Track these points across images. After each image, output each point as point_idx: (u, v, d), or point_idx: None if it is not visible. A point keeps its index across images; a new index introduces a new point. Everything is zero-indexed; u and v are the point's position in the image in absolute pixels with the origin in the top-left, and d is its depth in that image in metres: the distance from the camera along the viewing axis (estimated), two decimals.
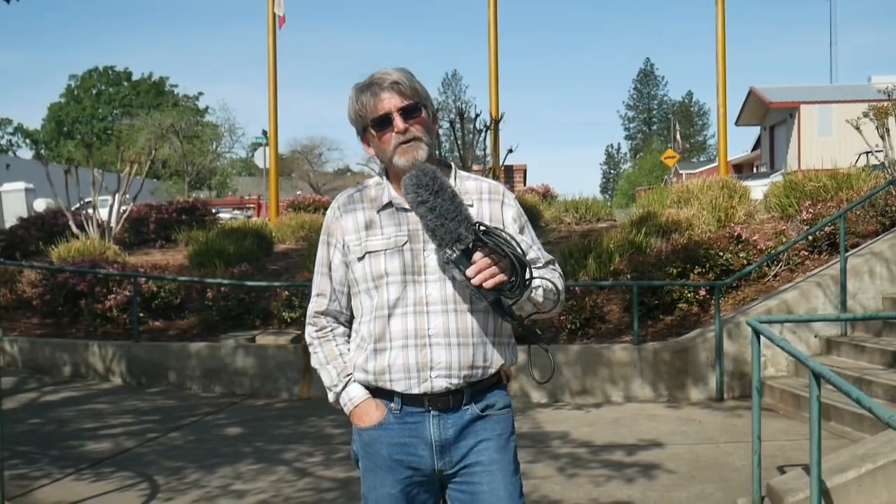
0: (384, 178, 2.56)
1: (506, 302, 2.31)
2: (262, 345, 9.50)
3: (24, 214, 19.63)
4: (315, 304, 2.63)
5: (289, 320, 10.14)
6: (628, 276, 9.88)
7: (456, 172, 2.57)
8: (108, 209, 14.47)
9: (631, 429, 7.55)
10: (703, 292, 9.61)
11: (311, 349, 2.63)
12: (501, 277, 2.25)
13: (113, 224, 14.35)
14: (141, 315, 10.37)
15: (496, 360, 2.50)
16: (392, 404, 2.47)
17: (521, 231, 2.55)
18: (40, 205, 22.98)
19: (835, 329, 9.03)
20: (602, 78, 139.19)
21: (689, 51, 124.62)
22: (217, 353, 9.51)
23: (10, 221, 21.16)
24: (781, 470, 5.99)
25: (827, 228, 9.86)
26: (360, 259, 2.47)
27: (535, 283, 2.36)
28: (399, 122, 2.42)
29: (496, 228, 2.29)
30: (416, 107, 2.45)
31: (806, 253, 10.12)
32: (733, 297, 9.74)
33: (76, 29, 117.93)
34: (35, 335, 10.66)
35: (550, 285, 2.46)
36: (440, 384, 2.42)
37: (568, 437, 7.20)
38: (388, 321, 2.44)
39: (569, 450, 6.79)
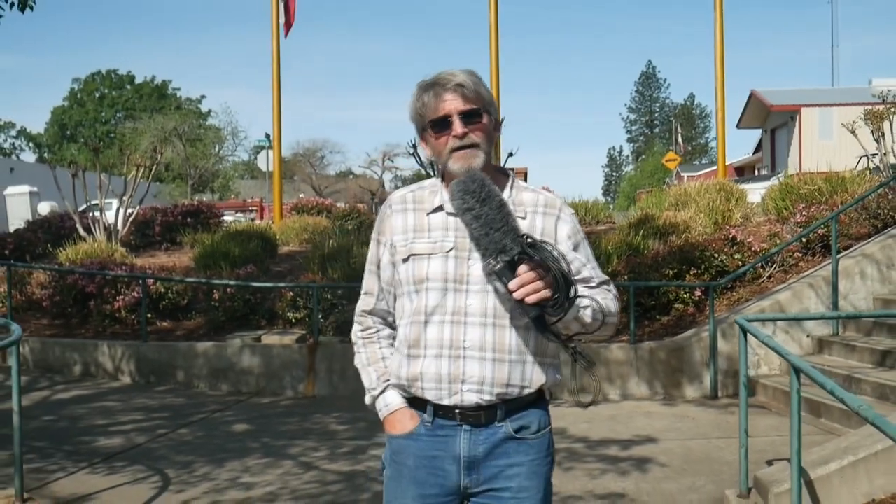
0: (440, 180, 2.48)
1: (549, 319, 2.23)
2: (267, 344, 9.75)
3: (29, 218, 19.88)
4: (362, 303, 2.59)
5: (293, 320, 10.38)
6: (626, 278, 10.10)
7: (514, 182, 2.49)
8: (113, 212, 14.71)
9: (627, 425, 7.77)
10: (698, 293, 9.83)
11: (355, 348, 2.59)
12: (545, 293, 2.15)
13: (119, 227, 14.59)
14: (149, 316, 10.62)
15: (535, 380, 2.39)
16: (425, 416, 2.40)
17: (576, 248, 2.45)
18: (44, 208, 23.23)
19: (826, 329, 9.25)
20: (604, 80, 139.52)
21: (691, 53, 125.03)
22: (224, 352, 9.75)
23: (14, 225, 21.40)
24: (770, 463, 6.21)
25: (820, 230, 10.09)
26: (405, 261, 2.41)
27: (583, 302, 2.28)
28: (458, 126, 2.34)
29: (544, 242, 2.19)
30: (478, 112, 2.37)
31: (800, 255, 10.34)
32: (728, 298, 9.96)
33: (79, 32, 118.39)
34: (45, 336, 10.91)
35: (599, 306, 2.37)
36: (470, 398, 2.33)
37: (565, 433, 7.42)
38: (425, 328, 2.37)
39: (566, 445, 7.01)
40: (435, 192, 2.47)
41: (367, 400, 2.56)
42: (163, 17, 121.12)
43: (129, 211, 15.09)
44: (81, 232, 14.32)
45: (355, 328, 2.62)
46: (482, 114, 2.38)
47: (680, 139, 64.16)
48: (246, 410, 8.70)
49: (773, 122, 37.50)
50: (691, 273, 9.96)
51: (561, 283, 2.15)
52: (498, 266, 2.17)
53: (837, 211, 9.60)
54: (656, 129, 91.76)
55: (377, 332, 2.57)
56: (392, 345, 2.54)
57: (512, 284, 2.15)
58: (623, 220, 14.64)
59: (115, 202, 15.14)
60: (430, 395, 2.38)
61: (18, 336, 5.30)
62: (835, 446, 5.44)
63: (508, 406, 2.38)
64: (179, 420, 8.15)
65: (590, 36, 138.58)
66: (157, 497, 5.71)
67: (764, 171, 38.61)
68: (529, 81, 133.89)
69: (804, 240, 10.20)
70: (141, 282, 10.49)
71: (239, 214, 34.96)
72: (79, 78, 77.02)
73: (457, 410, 2.36)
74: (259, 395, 9.51)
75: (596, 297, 2.39)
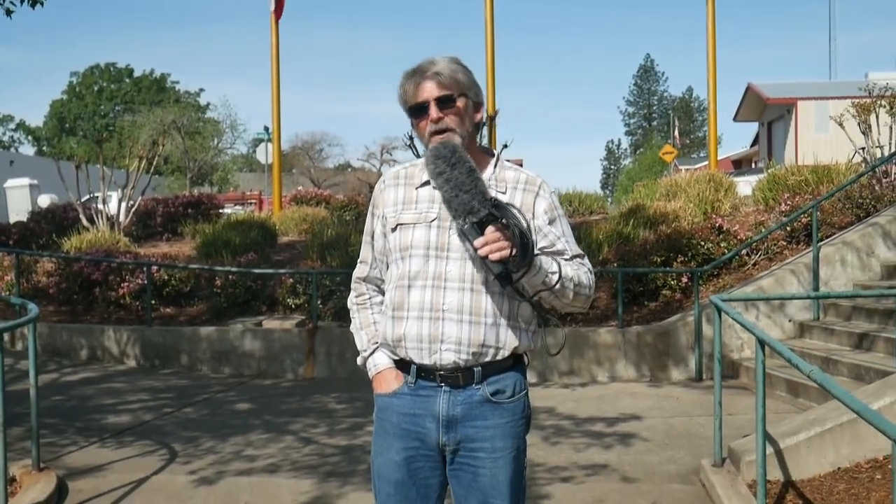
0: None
1: (514, 277, 2.40)
2: (268, 329, 10.08)
3: (29, 210, 20.16)
4: (358, 271, 2.80)
5: (293, 306, 10.72)
6: (615, 265, 10.44)
7: (499, 161, 2.67)
8: (114, 203, 15.05)
9: (613, 404, 8.11)
10: (684, 279, 10.16)
11: (350, 314, 2.81)
12: (506, 252, 2.32)
13: (122, 217, 14.92)
14: (153, 302, 10.94)
15: (509, 343, 2.55)
16: (408, 377, 2.59)
17: (552, 223, 2.63)
18: (44, 200, 23.47)
19: (808, 314, 9.57)
20: (602, 74, 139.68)
21: (690, 47, 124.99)
22: (226, 336, 10.09)
23: (14, 217, 21.70)
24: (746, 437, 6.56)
25: (804, 219, 10.41)
26: (394, 230, 2.60)
27: (551, 267, 2.48)
28: (433, 112, 2.53)
29: (509, 205, 2.37)
30: (451, 98, 2.55)
31: (784, 243, 10.67)
32: (714, 284, 10.29)
33: (78, 26, 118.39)
34: (52, 321, 11.23)
35: (569, 274, 2.55)
36: (448, 357, 2.50)
37: (554, 412, 7.76)
38: (408, 292, 2.55)
39: (554, 422, 7.34)
40: (423, 168, 2.64)
41: (359, 361, 2.77)
42: (162, 9, 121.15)
43: (131, 202, 15.41)
44: (84, 222, 14.65)
45: (351, 295, 2.85)
46: (454, 100, 2.56)
47: (677, 132, 64.41)
48: (248, 391, 9.04)
49: (770, 115, 37.70)
50: (678, 260, 10.29)
51: (517, 241, 2.32)
52: (466, 226, 2.35)
53: (819, 199, 9.93)
54: (654, 123, 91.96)
55: (370, 298, 2.79)
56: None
57: (477, 242, 2.33)
58: (615, 210, 14.99)
59: (115, 194, 15.45)
60: (412, 355, 2.57)
61: (36, 314, 5.62)
62: (803, 418, 5.79)
63: (486, 369, 2.56)
64: (184, 400, 8.48)
65: (588, 30, 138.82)
66: (165, 468, 6.04)
67: (760, 164, 38.85)
68: (527, 76, 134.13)
69: (789, 228, 10.53)
70: (145, 269, 10.81)
71: (238, 207, 35.17)
72: (77, 71, 77.18)
73: (437, 372, 2.55)
74: (260, 377, 9.86)
75: (566, 266, 2.61)
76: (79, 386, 9.12)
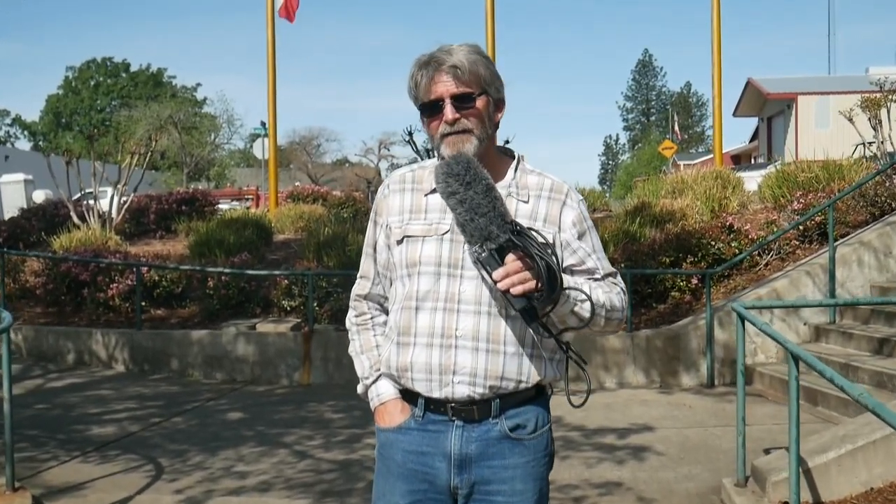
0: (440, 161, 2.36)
1: (539, 311, 2.11)
2: (262, 332, 9.69)
3: (24, 205, 19.78)
4: (358, 287, 2.50)
5: (288, 308, 10.33)
6: (622, 266, 10.05)
7: (519, 164, 2.37)
8: (108, 200, 14.64)
9: (623, 413, 7.73)
10: (695, 281, 9.79)
11: (349, 335, 2.51)
12: (530, 284, 2.04)
13: (114, 215, 14.50)
14: (143, 304, 10.56)
15: (532, 375, 2.26)
16: (416, 409, 2.30)
17: (581, 237, 2.33)
18: (39, 196, 23.13)
19: (824, 317, 9.21)
20: (600, 69, 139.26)
21: (688, 42, 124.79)
22: (218, 340, 9.70)
23: (9, 213, 21.30)
24: (767, 452, 6.18)
25: (817, 218, 10.04)
26: (399, 243, 2.30)
27: (580, 295, 2.17)
28: (449, 112, 2.22)
29: (532, 230, 2.08)
30: (471, 96, 2.23)
31: (797, 242, 10.30)
32: (725, 286, 9.92)
33: (74, 20, 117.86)
34: (38, 324, 10.85)
35: (601, 300, 2.24)
36: (462, 391, 2.22)
37: (562, 422, 7.38)
38: (416, 314, 2.26)
39: (562, 433, 6.97)
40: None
41: (360, 389, 2.47)
42: (159, 4, 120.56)
43: (124, 199, 15.00)
44: (75, 220, 14.23)
45: (350, 313, 2.53)
46: (475, 99, 2.25)
47: (676, 127, 64.10)
48: (240, 399, 8.66)
49: (770, 110, 37.41)
50: (688, 261, 9.91)
51: (543, 275, 2.03)
52: (483, 254, 2.07)
53: (834, 198, 9.54)
54: (653, 118, 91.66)
55: (372, 318, 2.48)
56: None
57: (496, 274, 2.05)
58: (620, 207, 14.61)
59: (109, 190, 15.04)
60: (419, 387, 2.27)
61: (9, 323, 5.23)
62: (832, 434, 5.41)
63: (504, 401, 2.27)
64: (173, 408, 8.10)
65: (586, 25, 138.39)
66: (151, 486, 5.67)
67: (760, 160, 38.57)
68: (526, 70, 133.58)
69: (801, 227, 10.16)
70: (135, 269, 10.41)
71: (235, 203, 34.88)
72: (74, 66, 76.84)
73: (449, 404, 2.25)
74: (254, 383, 9.47)
75: (598, 290, 2.29)
76: (63, 393, 8.73)
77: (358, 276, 2.52)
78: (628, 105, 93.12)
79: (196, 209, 16.17)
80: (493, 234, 2.04)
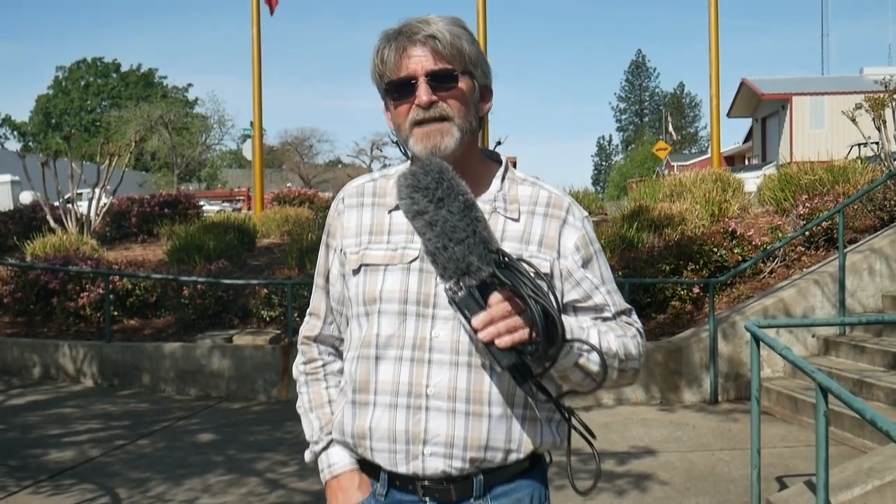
0: (412, 166, 1.87)
1: (533, 368, 1.61)
2: (239, 345, 9.12)
3: (10, 207, 19.18)
4: (306, 327, 2.02)
5: (268, 319, 9.78)
6: (619, 273, 9.53)
7: (507, 172, 1.88)
8: (87, 202, 14.07)
9: (622, 434, 7.21)
10: (696, 289, 9.28)
11: (297, 387, 2.03)
12: (521, 334, 1.56)
13: (92, 218, 13.94)
14: (115, 313, 10.01)
15: (524, 443, 1.79)
16: (377, 485, 1.83)
17: (587, 264, 1.84)
18: (27, 197, 22.56)
19: (833, 329, 8.70)
20: (593, 69, 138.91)
21: (681, 42, 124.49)
22: (192, 354, 9.13)
23: None
24: (781, 481, 5.69)
25: (824, 223, 9.54)
26: (356, 272, 1.82)
27: (584, 346, 1.70)
28: (423, 93, 1.74)
29: (524, 261, 1.60)
30: (452, 74, 1.76)
31: (802, 249, 9.80)
32: (728, 295, 9.41)
33: (64, 20, 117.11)
34: (5, 335, 10.26)
35: (614, 348, 1.77)
36: (434, 465, 1.75)
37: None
38: (376, 366, 1.78)
39: (556, 458, 6.44)
40: None
41: (307, 457, 1.98)
42: (150, 3, 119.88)
43: (104, 201, 14.44)
44: (52, 223, 13.66)
45: (297, 359, 2.04)
46: (457, 77, 1.77)
47: (670, 128, 63.81)
48: (213, 417, 8.10)
49: (764, 110, 37.13)
50: (689, 268, 9.39)
51: (539, 321, 1.53)
52: (460, 293, 1.57)
53: (844, 203, 9.03)
54: (646, 119, 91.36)
55: (323, 365, 2.00)
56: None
57: (476, 321, 1.56)
58: (615, 211, 14.10)
59: (96, 191, 14.43)
60: (381, 459, 1.79)
61: None
62: (856, 467, 4.91)
63: (489, 477, 1.78)
64: (140, 429, 7.54)
65: (578, 25, 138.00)
66: None
67: (754, 161, 38.29)
68: (518, 70, 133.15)
69: (807, 233, 9.66)
70: (105, 278, 9.84)
71: (226, 204, 34.40)
72: (63, 66, 76.20)
73: (419, 482, 1.77)
74: (229, 399, 8.90)
75: (609, 335, 1.78)
76: (24, 412, 8.14)
77: (307, 312, 2.03)
78: (621, 106, 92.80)
79: (179, 212, 15.60)
80: (472, 266, 1.55)
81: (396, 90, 1.78)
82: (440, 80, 1.75)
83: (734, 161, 43.10)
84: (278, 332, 9.43)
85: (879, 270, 8.93)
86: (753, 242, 9.74)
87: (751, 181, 17.05)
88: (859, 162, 13.65)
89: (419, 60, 1.75)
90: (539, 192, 1.86)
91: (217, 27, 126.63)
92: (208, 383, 9.06)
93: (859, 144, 19.60)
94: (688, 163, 49.58)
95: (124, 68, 75.56)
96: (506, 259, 1.57)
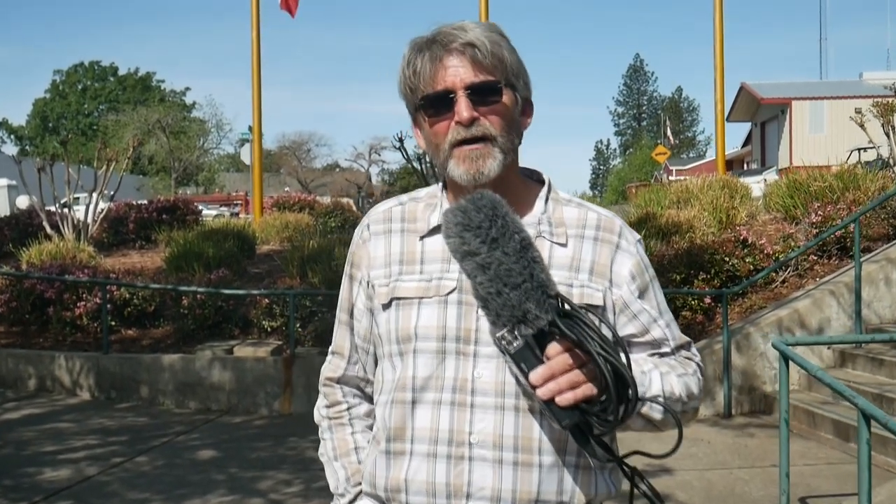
0: (442, 189, 1.72)
1: (596, 428, 1.42)
2: (239, 357, 8.89)
3: (7, 212, 18.95)
4: (329, 368, 1.83)
5: (269, 329, 9.55)
6: None
7: (550, 192, 1.70)
8: (84, 208, 13.85)
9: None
10: (708, 300, 9.06)
11: (320, 432, 1.85)
12: (585, 390, 1.39)
13: (90, 224, 13.71)
14: (113, 323, 9.77)
15: (577, 495, 1.59)
16: None
17: (643, 295, 1.67)
18: (23, 202, 22.31)
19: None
20: (592, 73, 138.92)
21: (680, 46, 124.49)
22: (191, 366, 8.90)
23: None
24: (803, 503, 5.48)
25: (838, 232, 9.33)
26: (386, 307, 1.65)
27: (651, 388, 1.56)
28: (464, 108, 1.55)
29: (587, 311, 1.40)
30: (495, 87, 1.57)
31: (815, 258, 9.59)
32: (740, 305, 9.20)
33: (62, 24, 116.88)
34: (0, 345, 10.02)
35: (676, 390, 1.60)
36: None
37: None
38: (412, 411, 1.60)
39: None
40: (433, 205, 1.70)
41: None
42: (148, 7, 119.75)
43: (101, 207, 14.21)
44: (48, 230, 13.43)
45: (319, 402, 1.86)
46: (502, 90, 1.58)
47: (669, 132, 63.62)
48: (214, 432, 7.87)
49: (763, 115, 37.06)
50: (700, 278, 9.17)
51: (609, 379, 1.35)
52: (515, 343, 1.38)
53: (860, 212, 8.81)
54: (644, 123, 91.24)
55: (349, 408, 1.81)
56: (371, 427, 1.76)
57: (535, 376, 1.38)
58: (621, 217, 13.88)
59: (93, 197, 14.20)
60: None
61: None
62: (889, 492, 4.70)
63: None
64: (139, 445, 7.31)
65: (577, 28, 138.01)
66: None
67: (754, 165, 38.20)
68: None
69: (820, 242, 9.45)
70: (102, 288, 9.60)
71: (223, 208, 34.24)
72: (61, 69, 76.07)
73: None
74: (230, 413, 8.67)
75: (671, 375, 1.60)
76: (18, 426, 7.90)
77: (329, 351, 1.84)
78: (619, 110, 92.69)
79: (178, 218, 15.37)
80: (530, 314, 1.36)
81: (432, 105, 1.59)
82: (481, 94, 1.57)
83: (733, 165, 43.01)
84: (280, 343, 9.21)
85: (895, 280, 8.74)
86: (765, 251, 9.53)
87: (754, 186, 16.87)
88: (860, 166, 13.52)
89: (457, 72, 1.57)
90: (587, 213, 1.69)
91: (216, 31, 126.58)
92: (208, 396, 8.84)
93: (860, 149, 19.50)
94: (686, 167, 49.54)
95: (122, 72, 75.37)
96: (568, 307, 1.38)
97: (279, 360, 8.72)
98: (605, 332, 1.38)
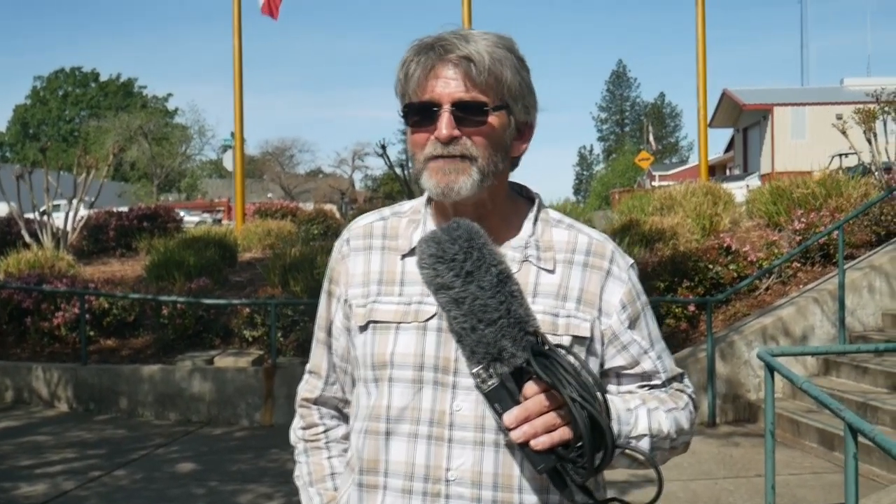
0: (426, 204, 1.63)
1: (571, 476, 1.33)
2: (220, 367, 8.78)
3: None
4: (305, 387, 1.75)
5: (250, 339, 9.44)
6: None
7: (539, 213, 1.61)
8: (64, 216, 13.70)
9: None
10: (692, 307, 9.03)
11: (295, 454, 1.76)
12: (561, 434, 1.31)
13: (69, 231, 13.56)
14: (92, 334, 9.64)
15: None
16: None
17: (633, 325, 1.58)
18: (1, 209, 22.07)
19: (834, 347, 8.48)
20: (574, 79, 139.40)
21: (662, 52, 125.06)
22: (172, 376, 8.79)
23: None
24: None
25: (821, 239, 9.33)
26: (363, 329, 1.56)
27: (631, 431, 1.46)
28: (444, 125, 1.47)
29: (564, 351, 1.34)
30: (482, 108, 1.48)
31: (798, 265, 9.58)
32: (723, 313, 9.17)
33: (42, 30, 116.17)
34: None
35: (665, 427, 1.51)
36: None
37: None
38: (386, 443, 1.51)
39: None
40: (416, 221, 1.61)
41: None
42: (130, 13, 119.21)
43: (81, 215, 14.06)
44: (27, 238, 13.27)
45: (295, 423, 1.77)
46: (489, 112, 1.48)
47: (651, 138, 63.82)
48: (194, 444, 7.76)
49: (746, 121, 37.26)
50: (684, 285, 9.15)
51: (585, 427, 1.28)
52: (491, 381, 1.32)
53: (844, 219, 8.81)
54: (627, 129, 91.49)
55: (325, 431, 1.73)
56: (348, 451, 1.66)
57: (509, 418, 1.32)
58: (604, 225, 13.88)
59: (73, 204, 14.04)
60: None
61: None
62: (875, 503, 4.66)
63: None
64: (117, 458, 7.19)
65: (559, 34, 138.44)
66: None
67: (736, 171, 38.37)
68: None
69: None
70: (81, 298, 9.46)
71: (206, 215, 34.04)
72: (42, 76, 75.59)
73: None
74: (211, 424, 8.56)
75: (659, 411, 1.52)
76: None
77: (306, 370, 1.76)
78: (602, 115, 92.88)
79: (158, 225, 15.25)
80: (505, 352, 1.31)
81: (416, 114, 1.51)
82: (467, 112, 1.48)
83: (715, 171, 43.17)
84: (261, 353, 9.10)
85: (879, 288, 8.74)
86: (749, 258, 9.52)
87: (737, 192, 16.91)
88: (841, 172, 13.56)
89: (447, 84, 1.48)
90: (577, 236, 1.60)
91: (198, 37, 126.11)
92: (188, 407, 8.72)
93: (841, 154, 19.60)
94: (669, 172, 49.77)
95: (103, 78, 74.95)
96: (545, 346, 1.32)
97: (260, 370, 8.62)
98: (585, 374, 1.31)
